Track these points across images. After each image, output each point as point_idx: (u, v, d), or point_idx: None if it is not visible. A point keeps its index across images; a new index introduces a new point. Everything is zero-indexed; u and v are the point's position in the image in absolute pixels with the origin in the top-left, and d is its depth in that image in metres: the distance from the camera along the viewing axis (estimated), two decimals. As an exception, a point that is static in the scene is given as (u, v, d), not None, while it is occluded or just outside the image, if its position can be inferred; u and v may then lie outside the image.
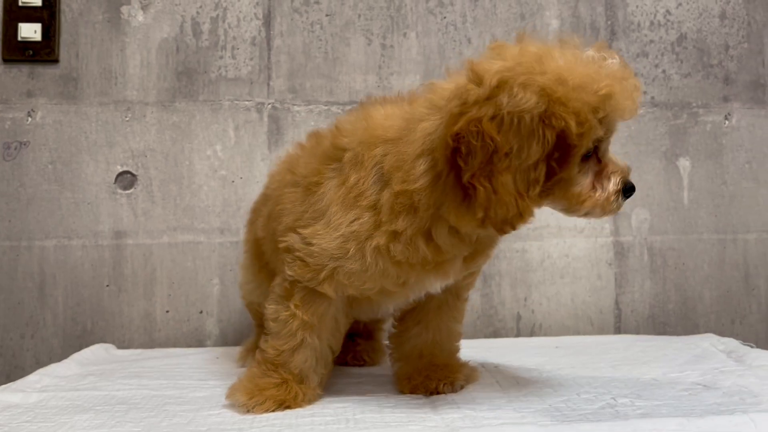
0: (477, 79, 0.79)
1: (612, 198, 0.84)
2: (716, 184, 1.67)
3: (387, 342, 1.10)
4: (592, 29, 1.67)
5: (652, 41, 1.68)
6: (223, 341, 1.56)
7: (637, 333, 1.63)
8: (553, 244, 1.63)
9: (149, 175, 1.57)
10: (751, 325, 1.66)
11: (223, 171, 1.59)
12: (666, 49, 1.69)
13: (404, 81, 1.63)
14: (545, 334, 1.62)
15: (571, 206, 0.85)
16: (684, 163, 1.67)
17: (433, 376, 0.98)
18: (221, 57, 1.60)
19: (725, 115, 1.69)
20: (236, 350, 1.42)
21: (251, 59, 1.61)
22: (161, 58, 1.59)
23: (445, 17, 1.64)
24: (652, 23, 1.69)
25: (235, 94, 1.60)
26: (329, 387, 1.01)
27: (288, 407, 0.89)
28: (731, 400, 0.87)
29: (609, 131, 0.83)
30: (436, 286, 0.94)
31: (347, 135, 0.91)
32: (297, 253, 0.90)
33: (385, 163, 0.85)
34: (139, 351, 1.44)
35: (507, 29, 1.66)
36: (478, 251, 0.93)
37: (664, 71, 1.68)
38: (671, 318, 1.65)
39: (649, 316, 1.65)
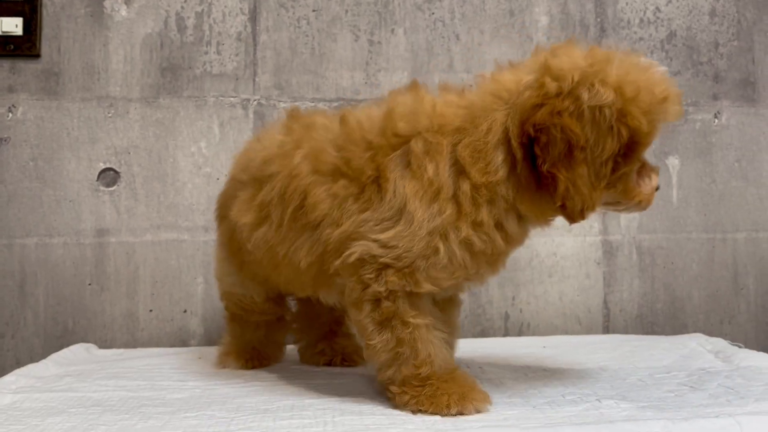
0: (554, 75, 0.82)
1: (650, 193, 0.89)
2: (705, 183, 1.66)
3: None
4: (581, 26, 1.66)
5: (641, 39, 1.67)
6: (208, 341, 1.54)
7: (626, 332, 1.62)
8: (541, 243, 1.62)
9: (132, 172, 1.55)
10: (739, 324, 1.65)
11: (208, 168, 1.57)
12: (656, 47, 1.68)
13: (392, 78, 1.61)
14: (533, 334, 1.61)
15: (624, 199, 0.89)
16: (673, 162, 1.66)
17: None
18: (206, 52, 1.58)
19: (715, 114, 1.67)
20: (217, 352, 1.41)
21: (237, 55, 1.58)
22: (145, 54, 1.56)
23: (433, 13, 1.62)
24: (641, 20, 1.67)
25: (220, 90, 1.58)
26: (311, 388, 1.00)
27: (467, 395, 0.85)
28: (717, 402, 0.86)
29: (659, 132, 0.86)
30: (485, 279, 0.96)
31: (405, 120, 0.88)
32: (381, 260, 0.85)
33: (459, 152, 0.84)
34: (120, 351, 1.41)
35: (496, 26, 1.64)
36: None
37: (653, 69, 1.67)
38: (660, 317, 1.64)
39: (638, 316, 1.64)
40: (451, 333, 1.00)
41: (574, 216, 0.83)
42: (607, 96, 0.80)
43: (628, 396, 0.90)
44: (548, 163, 0.80)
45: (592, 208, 0.83)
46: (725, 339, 1.54)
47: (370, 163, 0.87)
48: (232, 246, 1.13)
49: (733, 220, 1.66)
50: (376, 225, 0.86)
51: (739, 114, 1.68)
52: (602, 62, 0.83)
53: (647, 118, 0.81)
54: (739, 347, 1.27)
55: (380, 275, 0.86)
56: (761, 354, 1.15)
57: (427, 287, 0.86)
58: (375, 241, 0.85)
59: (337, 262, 0.89)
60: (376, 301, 0.87)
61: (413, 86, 0.93)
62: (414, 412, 0.85)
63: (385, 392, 0.89)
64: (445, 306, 1.00)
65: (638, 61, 0.85)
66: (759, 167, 1.68)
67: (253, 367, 1.18)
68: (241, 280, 1.15)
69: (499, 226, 0.86)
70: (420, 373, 0.86)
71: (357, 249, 0.86)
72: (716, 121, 1.68)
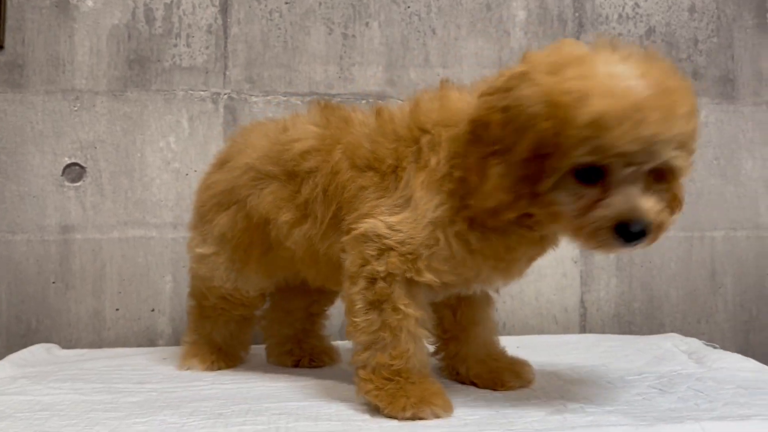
0: (508, 71, 0.79)
1: (589, 229, 0.75)
2: (684, 181, 1.64)
3: (432, 349, 1.03)
4: (559, 21, 1.63)
5: (620, 34, 1.65)
6: (176, 340, 1.50)
7: (603, 332, 1.60)
8: (518, 241, 1.59)
9: (99, 167, 1.51)
10: (717, 323, 1.64)
11: (177, 163, 1.53)
12: (634, 43, 1.65)
13: (366, 72, 1.58)
14: (509, 333, 1.58)
15: (548, 224, 0.80)
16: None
17: (509, 376, 0.97)
18: (175, 45, 1.54)
19: (694, 111, 1.65)
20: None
21: (207, 48, 1.54)
22: (112, 46, 1.52)
23: (408, 7, 1.59)
24: (620, 16, 1.65)
25: (190, 83, 1.54)
26: (272, 391, 0.97)
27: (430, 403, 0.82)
28: (685, 406, 0.84)
29: (606, 158, 0.72)
30: (498, 285, 0.94)
31: (426, 113, 0.88)
32: (385, 241, 0.84)
33: (450, 146, 0.84)
34: (83, 351, 1.38)
35: (472, 20, 1.61)
36: (540, 252, 0.91)
37: (632, 65, 1.64)
38: (637, 317, 1.62)
39: (615, 315, 1.62)
40: (490, 330, 1.03)
41: (480, 216, 0.80)
42: (528, 97, 0.73)
43: (596, 400, 0.88)
44: (469, 159, 0.79)
45: (502, 212, 0.77)
46: (702, 338, 1.53)
47: (393, 154, 0.88)
48: (241, 242, 1.07)
49: (711, 219, 1.65)
50: (388, 209, 0.86)
51: (718, 111, 1.66)
52: (555, 63, 0.75)
53: (556, 129, 0.71)
54: (714, 348, 1.25)
55: (382, 255, 0.85)
56: (735, 355, 1.14)
57: (428, 277, 0.84)
58: (384, 222, 0.85)
59: (345, 238, 0.89)
60: (372, 279, 0.85)
61: (443, 83, 0.92)
62: (371, 405, 0.83)
63: (354, 377, 0.88)
64: (481, 303, 1.02)
65: (604, 67, 0.73)
66: (737, 165, 1.66)
67: (219, 369, 1.15)
68: (241, 274, 1.09)
69: (497, 228, 0.82)
70: (393, 365, 0.85)
71: (364, 225, 0.86)
72: (695, 118, 1.65)
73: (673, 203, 0.84)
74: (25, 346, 1.36)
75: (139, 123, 1.52)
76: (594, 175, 0.74)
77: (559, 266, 1.60)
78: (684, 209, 1.61)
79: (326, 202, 0.94)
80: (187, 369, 1.15)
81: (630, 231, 0.74)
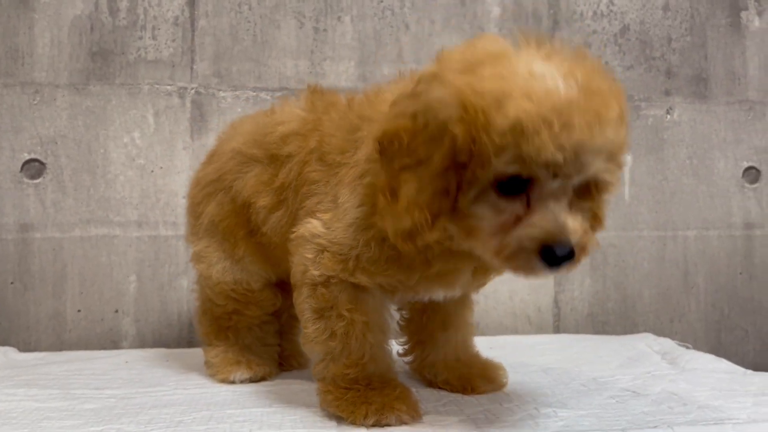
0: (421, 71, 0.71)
1: (510, 249, 0.67)
2: (657, 180, 1.64)
3: (402, 351, 1.02)
4: (534, 18, 1.62)
5: (595, 32, 1.64)
6: (141, 342, 1.46)
7: (576, 332, 1.58)
8: (492, 240, 1.57)
9: (60, 163, 1.45)
10: (689, 323, 1.64)
11: (142, 160, 1.48)
12: (609, 41, 1.64)
13: (338, 67, 1.54)
14: (482, 334, 1.56)
15: (463, 240, 0.71)
16: (626, 158, 1.63)
17: (480, 382, 0.94)
18: (140, 37, 1.49)
19: (667, 109, 1.65)
20: (151, 352, 1.33)
21: (173, 41, 1.50)
22: (74, 37, 1.47)
23: (381, 1, 1.56)
24: (595, 13, 1.64)
25: (156, 77, 1.49)
26: (237, 397, 0.93)
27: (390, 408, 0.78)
28: (659, 409, 0.82)
29: (529, 169, 0.65)
30: (440, 295, 0.87)
31: (360, 108, 0.84)
32: (319, 240, 0.80)
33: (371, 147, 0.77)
34: (42, 354, 1.32)
35: (446, 15, 1.58)
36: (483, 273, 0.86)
37: (606, 63, 1.64)
38: (611, 317, 1.61)
39: (589, 315, 1.61)
40: (463, 334, 0.98)
41: (393, 239, 0.71)
42: (440, 99, 0.66)
43: (569, 403, 0.86)
44: (381, 177, 0.71)
45: (418, 233, 0.68)
46: (675, 338, 1.53)
47: (338, 150, 0.84)
48: (228, 225, 1.03)
49: (684, 218, 1.64)
50: (323, 205, 0.82)
51: (690, 110, 1.66)
52: (469, 61, 0.68)
53: (471, 136, 0.64)
54: (687, 348, 1.24)
55: (317, 257, 0.81)
56: (707, 356, 1.13)
57: (360, 278, 0.80)
58: (320, 219, 0.81)
59: (290, 245, 0.85)
60: (314, 285, 0.82)
61: (404, 75, 0.85)
62: (335, 416, 0.80)
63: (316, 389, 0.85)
64: (453, 307, 0.97)
65: (525, 65, 0.66)
66: (710, 165, 1.66)
67: (264, 377, 1.05)
68: (238, 263, 1.04)
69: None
70: (348, 374, 0.81)
71: (302, 226, 0.82)
72: (668, 117, 1.65)
73: (595, 223, 0.76)
74: (-19, 349, 1.31)
75: (103, 118, 1.47)
76: (516, 187, 0.67)
77: (533, 265, 1.59)
78: (658, 208, 1.62)
79: (296, 190, 0.90)
80: (232, 381, 1.02)
81: (555, 255, 0.66)
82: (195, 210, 1.09)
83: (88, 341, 1.45)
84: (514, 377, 1.02)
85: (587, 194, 0.71)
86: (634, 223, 1.62)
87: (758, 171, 1.67)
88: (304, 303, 0.83)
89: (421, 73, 0.70)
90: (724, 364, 1.07)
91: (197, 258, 1.07)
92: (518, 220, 0.67)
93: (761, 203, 1.67)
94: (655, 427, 0.70)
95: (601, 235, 1.59)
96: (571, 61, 0.67)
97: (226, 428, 0.76)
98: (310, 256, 0.81)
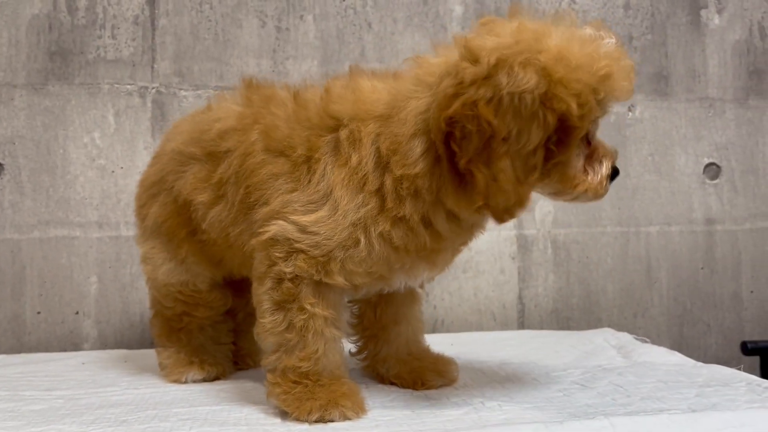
0: (472, 57, 0.74)
1: (604, 182, 0.83)
2: (620, 177, 1.64)
3: (355, 349, 1.02)
4: (496, 16, 1.62)
5: (556, 30, 1.65)
6: (102, 344, 1.45)
7: (541, 328, 1.59)
8: (456, 238, 1.58)
9: (18, 164, 1.44)
10: (652, 317, 1.65)
11: (102, 160, 1.47)
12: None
13: (301, 66, 1.54)
14: (447, 330, 1.57)
15: (565, 190, 0.81)
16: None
17: (431, 375, 0.95)
18: (100, 37, 1.48)
19: (629, 107, 1.67)
20: (110, 353, 1.32)
21: (133, 40, 1.49)
22: (32, 37, 1.45)
23: (344, 0, 1.56)
24: (557, 12, 1.65)
25: (116, 77, 1.48)
26: (186, 396, 0.93)
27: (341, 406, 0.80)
28: (603, 401, 0.83)
29: (604, 112, 0.80)
30: (423, 276, 0.89)
31: (338, 102, 0.84)
32: (295, 245, 0.81)
33: (381, 143, 0.80)
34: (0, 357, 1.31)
35: (409, 14, 1.59)
36: (466, 241, 0.90)
37: (568, 61, 1.65)
38: (575, 312, 1.63)
39: (553, 311, 1.62)
40: (414, 328, 1.00)
41: (499, 216, 0.77)
42: (528, 80, 0.71)
43: (516, 397, 0.87)
44: (464, 159, 0.73)
45: (521, 205, 0.75)
46: (638, 332, 1.55)
47: (305, 143, 0.84)
48: (171, 226, 1.02)
49: (646, 214, 1.66)
50: (302, 206, 0.82)
51: (652, 108, 1.68)
52: (530, 39, 0.75)
53: (579, 101, 0.73)
54: (644, 342, 1.25)
55: (290, 257, 0.82)
56: (661, 349, 1.14)
57: (338, 280, 0.82)
58: (295, 224, 0.81)
59: (253, 241, 0.85)
60: (279, 279, 0.82)
61: (352, 69, 0.89)
62: (280, 412, 0.80)
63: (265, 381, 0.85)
64: (404, 300, 0.98)
65: (578, 34, 0.78)
66: (671, 161, 1.68)
67: (218, 376, 1.05)
68: (182, 264, 1.03)
69: (426, 221, 0.80)
70: (300, 368, 0.82)
71: (273, 228, 0.82)
72: (630, 114, 1.67)
73: None
74: (-62, 352, 1.30)
75: (62, 118, 1.46)
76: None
77: (497, 263, 1.60)
78: (620, 205, 1.63)
79: (237, 184, 0.90)
80: (184, 381, 1.02)
81: (615, 173, 0.85)
82: (140, 212, 1.09)
83: (48, 344, 1.43)
84: (469, 372, 1.03)
85: None
86: (597, 219, 1.64)
87: (718, 167, 1.69)
88: (264, 294, 0.84)
89: (487, 60, 0.74)
90: (676, 357, 1.08)
91: (144, 260, 1.07)
92: (589, 157, 0.82)
93: (722, 199, 1.69)
94: (593, 418, 0.70)
95: (564, 232, 1.62)
96: (595, 25, 0.81)
97: (167, 426, 0.76)
98: (280, 255, 0.82)
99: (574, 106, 0.72)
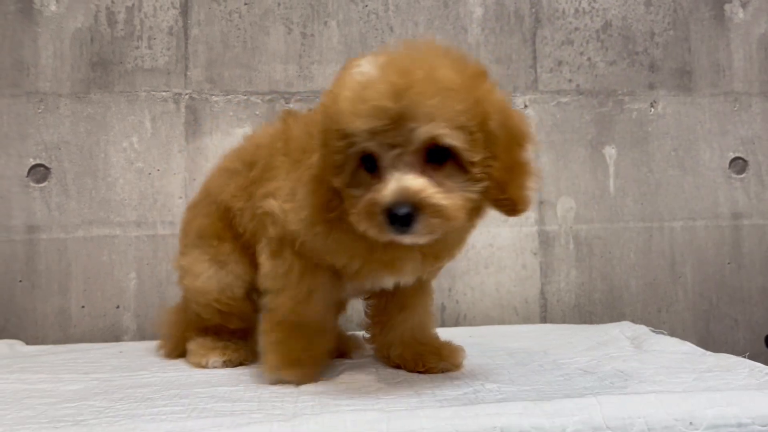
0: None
1: (365, 214, 0.78)
2: (642, 172, 1.66)
3: (367, 331, 1.10)
4: (516, 17, 1.66)
5: (577, 29, 1.67)
6: (141, 336, 1.53)
7: (563, 323, 1.61)
8: (477, 234, 1.61)
9: (63, 168, 1.54)
10: (677, 312, 1.65)
11: (140, 163, 1.56)
12: (591, 37, 1.67)
13: (325, 70, 1.60)
14: (470, 325, 1.60)
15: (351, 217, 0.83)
16: (610, 151, 1.66)
17: (432, 358, 1.00)
18: (137, 47, 1.57)
19: (651, 103, 1.67)
20: (147, 344, 1.40)
21: (168, 49, 1.58)
22: (75, 49, 1.56)
23: (366, 5, 1.62)
24: (577, 10, 1.67)
25: (152, 84, 1.57)
26: (209, 380, 0.99)
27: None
28: (601, 384, 0.86)
29: (356, 144, 0.77)
30: (389, 282, 0.94)
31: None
32: (277, 218, 0.92)
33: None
34: (46, 347, 1.41)
35: (430, 17, 1.64)
36: (442, 250, 0.91)
37: (589, 59, 1.67)
38: (597, 307, 1.64)
39: (575, 306, 1.63)
40: (420, 316, 1.04)
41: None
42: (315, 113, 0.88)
43: (517, 381, 0.90)
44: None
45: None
46: (663, 327, 1.55)
47: (301, 150, 0.93)
48: (214, 229, 1.12)
49: (670, 209, 1.66)
50: (284, 194, 0.93)
51: (675, 103, 1.68)
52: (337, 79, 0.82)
53: (322, 129, 0.82)
54: (662, 334, 1.26)
55: (275, 225, 0.94)
56: (673, 339, 1.15)
57: (305, 254, 0.91)
58: (279, 206, 0.93)
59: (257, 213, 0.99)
60: (270, 238, 0.95)
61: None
62: (293, 390, 0.89)
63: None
64: (411, 292, 1.02)
65: (358, 70, 0.78)
66: (695, 156, 1.67)
67: (240, 363, 1.11)
68: (223, 268, 1.10)
69: (356, 231, 0.82)
70: (284, 313, 0.94)
71: (266, 204, 0.95)
72: (652, 110, 1.67)
73: (490, 189, 0.80)
74: (-7, 344, 1.40)
75: (103, 124, 1.55)
76: (372, 164, 0.78)
77: (519, 258, 1.62)
78: (643, 200, 1.64)
79: (260, 183, 1.01)
80: (206, 365, 1.10)
81: (396, 214, 0.74)
82: (185, 230, 1.20)
83: (91, 336, 1.53)
84: (478, 360, 1.07)
85: (446, 162, 0.78)
86: (619, 215, 1.65)
87: (745, 161, 1.68)
88: (262, 249, 0.96)
89: None
90: (687, 347, 1.09)
91: (183, 274, 1.15)
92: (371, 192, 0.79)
93: (749, 193, 1.67)
94: (582, 396, 0.73)
95: (586, 227, 1.63)
96: (397, 55, 0.78)
97: (186, 402, 0.82)
98: (272, 222, 0.94)
99: (323, 135, 0.82)
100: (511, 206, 0.82)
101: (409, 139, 0.75)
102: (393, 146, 0.76)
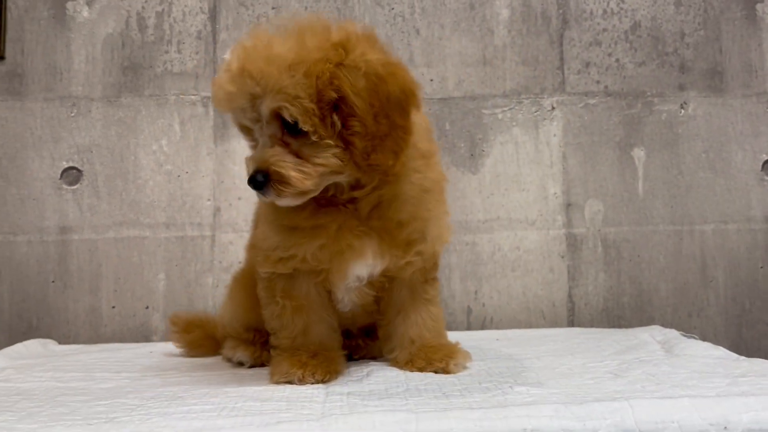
0: None
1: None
2: (672, 175, 1.64)
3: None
4: (543, 18, 1.65)
5: (605, 30, 1.65)
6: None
7: (591, 326, 1.60)
8: (504, 237, 1.61)
9: (95, 170, 1.57)
10: (709, 317, 1.62)
11: (169, 165, 1.58)
12: (619, 38, 1.66)
13: (352, 73, 1.61)
14: (496, 328, 1.59)
15: None
16: (639, 153, 1.64)
17: (435, 357, 1.00)
18: (167, 51, 1.60)
19: (681, 104, 1.65)
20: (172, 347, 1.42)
21: (197, 53, 1.60)
22: (107, 53, 1.59)
23: (392, 8, 1.63)
24: (605, 11, 1.66)
25: (181, 88, 1.59)
26: (239, 379, 1.00)
27: (331, 373, 0.95)
28: (632, 388, 0.85)
29: (235, 119, 0.91)
30: (361, 269, 0.95)
31: None
32: (258, 245, 0.99)
33: None
34: (78, 346, 1.43)
35: (456, 19, 1.63)
36: (395, 230, 0.95)
37: (617, 60, 1.65)
38: (626, 311, 1.62)
39: (604, 310, 1.62)
40: (414, 319, 1.04)
41: None
42: None
43: (547, 383, 0.89)
44: None
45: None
46: (693, 332, 1.52)
47: None
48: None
49: (701, 212, 1.64)
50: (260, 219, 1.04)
51: (706, 104, 1.65)
52: None
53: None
54: (693, 338, 1.24)
55: (258, 258, 0.99)
56: (705, 344, 1.13)
57: (281, 268, 0.96)
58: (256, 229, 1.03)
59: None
60: (263, 281, 1.00)
61: None
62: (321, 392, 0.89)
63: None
64: (404, 299, 1.04)
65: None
66: (727, 158, 1.65)
67: (264, 363, 1.09)
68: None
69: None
70: (289, 344, 0.98)
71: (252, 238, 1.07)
72: (683, 111, 1.65)
73: (355, 154, 0.86)
74: (25, 342, 1.43)
75: (133, 127, 1.58)
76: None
77: (546, 261, 1.61)
78: (673, 203, 1.61)
79: None
80: (233, 359, 1.12)
81: (253, 179, 0.86)
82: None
83: (121, 335, 1.55)
84: (505, 362, 1.06)
85: (298, 133, 0.86)
86: (648, 217, 1.63)
87: (778, 163, 1.65)
88: (260, 292, 1.02)
89: None
90: (720, 351, 1.07)
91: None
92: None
93: (782, 196, 1.64)
94: (614, 400, 0.72)
95: (614, 230, 1.61)
96: (247, 38, 0.88)
97: (216, 401, 0.83)
98: (259, 260, 0.99)
99: None
100: (381, 171, 0.88)
101: (261, 113, 0.86)
102: (254, 120, 0.88)
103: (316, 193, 0.89)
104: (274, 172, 0.85)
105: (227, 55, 0.88)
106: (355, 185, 0.93)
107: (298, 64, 0.83)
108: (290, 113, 0.83)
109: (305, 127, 0.84)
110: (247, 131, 0.93)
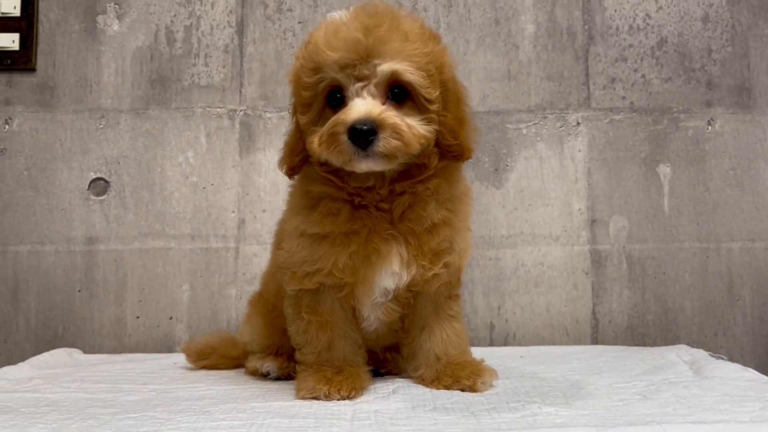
0: None
1: (325, 138, 0.87)
2: (698, 192, 1.62)
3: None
4: (568, 34, 1.64)
5: (631, 45, 1.65)
6: (193, 347, 1.56)
7: (615, 344, 1.58)
8: (527, 252, 1.60)
9: (122, 181, 1.59)
10: (735, 336, 1.60)
11: (195, 177, 1.60)
12: (646, 54, 1.65)
13: (377, 87, 1.62)
14: (519, 344, 1.58)
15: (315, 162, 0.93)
16: (664, 170, 1.63)
17: (462, 375, 1.00)
18: (194, 65, 1.62)
19: (708, 121, 1.64)
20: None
21: (224, 67, 1.62)
22: (136, 66, 1.61)
23: (418, 23, 1.63)
24: (631, 27, 1.65)
25: (208, 101, 1.61)
26: (265, 394, 1.00)
27: (356, 389, 0.95)
28: (663, 411, 0.84)
29: (326, 77, 0.88)
30: (387, 280, 0.96)
31: None
32: (283, 264, 1.00)
33: None
34: (103, 356, 1.45)
35: (481, 34, 1.64)
36: (425, 236, 0.95)
37: (643, 76, 1.64)
38: (651, 329, 1.60)
39: (628, 327, 1.60)
40: (439, 337, 1.03)
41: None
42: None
43: (574, 405, 0.88)
44: None
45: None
46: (720, 352, 1.50)
47: None
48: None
49: (728, 230, 1.62)
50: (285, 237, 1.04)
51: (733, 121, 1.64)
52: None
53: (293, 73, 0.97)
54: (721, 359, 1.23)
55: (285, 277, 1.01)
56: (735, 365, 1.11)
57: (308, 284, 0.97)
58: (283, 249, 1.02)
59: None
60: (290, 298, 1.02)
61: None
62: (348, 409, 0.89)
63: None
64: (428, 315, 1.04)
65: (330, 19, 0.91)
66: (755, 175, 1.63)
67: (290, 375, 1.10)
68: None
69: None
70: (315, 360, 0.99)
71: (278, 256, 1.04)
72: (710, 128, 1.64)
73: (443, 133, 0.91)
74: (51, 351, 1.44)
75: (160, 139, 1.60)
76: (339, 100, 0.89)
77: (570, 278, 1.60)
78: (699, 220, 1.59)
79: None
80: (261, 369, 1.13)
81: (357, 129, 0.84)
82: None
83: (145, 345, 1.57)
84: (531, 381, 1.05)
85: (406, 101, 0.89)
86: (674, 235, 1.61)
87: (808, 181, 1.63)
88: (287, 309, 1.03)
89: None
90: (750, 374, 1.05)
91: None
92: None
93: (811, 214, 1.62)
94: (647, 425, 0.72)
95: (639, 247, 1.59)
96: (366, 6, 0.89)
97: (245, 417, 0.83)
98: (286, 278, 1.00)
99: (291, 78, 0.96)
100: (460, 152, 0.93)
101: (374, 72, 0.86)
102: (359, 79, 0.86)
103: (408, 159, 0.90)
104: (390, 123, 0.85)
105: (337, 15, 0.89)
106: (403, 175, 0.94)
107: (423, 40, 0.88)
108: (414, 78, 0.86)
109: (425, 92, 0.87)
110: (317, 99, 0.91)
